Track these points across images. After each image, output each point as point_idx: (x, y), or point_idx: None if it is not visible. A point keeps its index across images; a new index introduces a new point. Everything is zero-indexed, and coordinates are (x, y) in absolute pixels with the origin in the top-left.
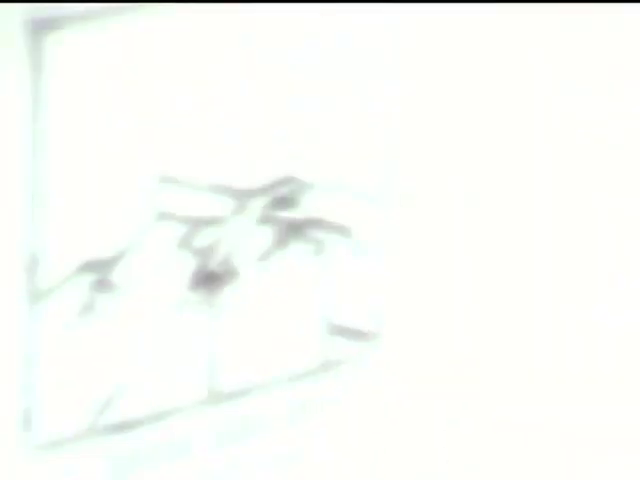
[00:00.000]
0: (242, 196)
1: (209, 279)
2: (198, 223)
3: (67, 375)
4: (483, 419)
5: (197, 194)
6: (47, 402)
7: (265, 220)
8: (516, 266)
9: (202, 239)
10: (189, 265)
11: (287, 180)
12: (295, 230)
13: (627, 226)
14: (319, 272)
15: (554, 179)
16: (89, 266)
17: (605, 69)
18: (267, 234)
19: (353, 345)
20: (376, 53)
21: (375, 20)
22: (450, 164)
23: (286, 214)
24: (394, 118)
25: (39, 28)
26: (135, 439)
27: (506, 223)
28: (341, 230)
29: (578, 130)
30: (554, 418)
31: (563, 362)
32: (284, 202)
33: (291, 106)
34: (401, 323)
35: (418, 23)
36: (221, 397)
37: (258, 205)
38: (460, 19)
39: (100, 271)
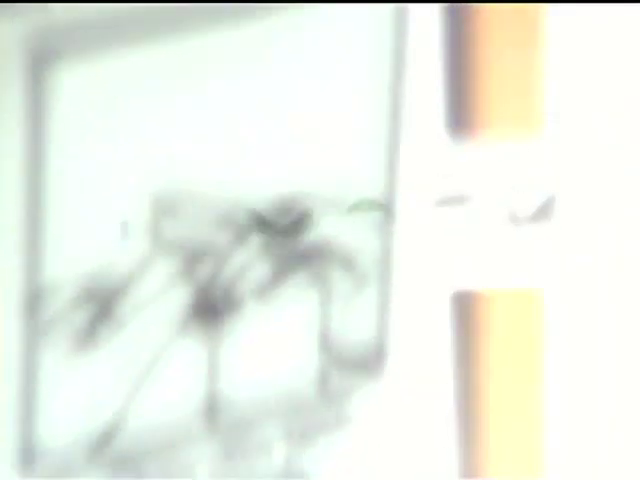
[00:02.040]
0: (242, 228)
1: (209, 310)
2: (198, 254)
3: (67, 406)
4: (487, 445)
5: (198, 226)
6: (47, 433)
7: (265, 252)
8: (523, 295)
9: (202, 270)
10: (189, 296)
11: (288, 211)
12: (295, 261)
13: None
14: (319, 302)
15: (574, 177)
16: (90, 297)
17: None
18: (267, 265)
19: (355, 375)
20: (377, 70)
21: (376, 29)
22: (453, 188)
23: (286, 245)
24: (396, 140)
25: (39, 58)
26: (136, 471)
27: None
28: (341, 260)
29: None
30: (570, 419)
31: (575, 364)
32: (284, 233)
33: (291, 135)
34: (402, 354)
35: (423, 37)
36: (221, 427)
37: (258, 237)
38: (465, 19)
39: (101, 302)
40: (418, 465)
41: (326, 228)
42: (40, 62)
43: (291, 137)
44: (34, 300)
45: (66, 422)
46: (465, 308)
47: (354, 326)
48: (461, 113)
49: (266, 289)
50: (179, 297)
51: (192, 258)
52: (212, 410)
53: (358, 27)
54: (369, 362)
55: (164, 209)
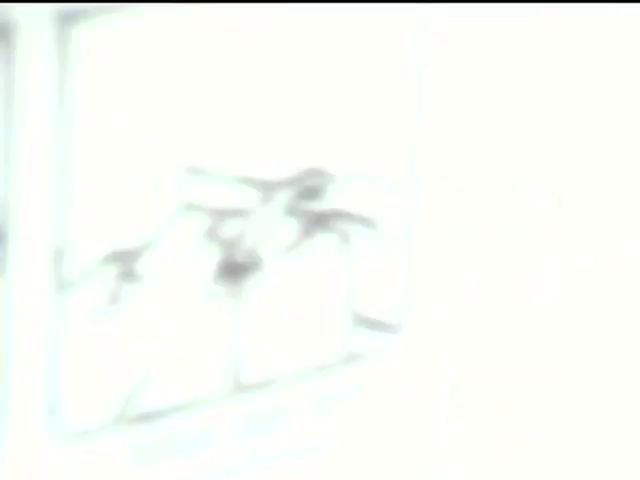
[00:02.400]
0: (268, 188)
1: (234, 270)
2: (224, 214)
3: (93, 365)
4: (505, 411)
5: (223, 185)
6: (73, 392)
7: (291, 212)
8: (538, 260)
9: (228, 230)
10: (215, 256)
11: (313, 172)
12: (320, 222)
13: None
14: (344, 264)
15: (579, 175)
16: (115, 257)
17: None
18: (293, 226)
19: (377, 337)
20: (396, 45)
21: (397, 13)
22: (473, 155)
23: (312, 206)
24: (417, 108)
25: (66, 19)
26: (160, 429)
27: (531, 211)
28: (366, 222)
29: (586, 129)
30: (572, 412)
31: (581, 356)
32: (310, 194)
33: (315, 98)
34: (425, 315)
35: (439, 18)
36: (245, 388)
37: (284, 197)
38: (472, 15)
39: (126, 262)
40: (439, 426)
41: (349, 192)
42: (66, 21)
43: (319, 103)
44: (60, 258)
45: (92, 381)
46: None
47: (378, 287)
48: None
49: (291, 250)
50: (205, 258)
51: (218, 218)
52: (236, 370)
53: None
54: (392, 324)
55: (190, 169)
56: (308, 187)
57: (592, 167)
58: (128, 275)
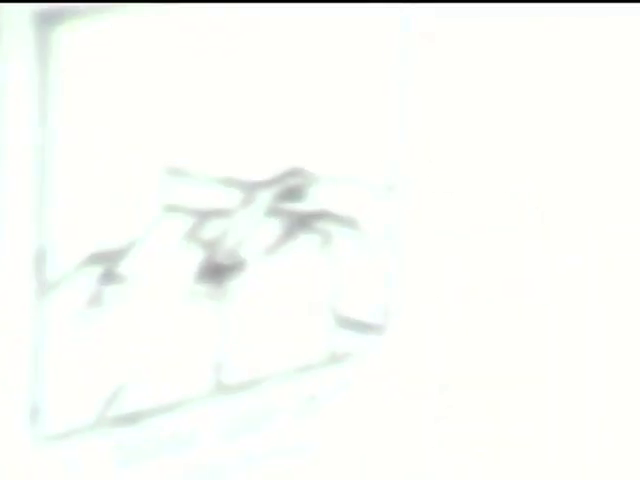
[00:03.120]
0: (249, 188)
1: (216, 271)
2: (205, 215)
3: (75, 366)
4: (488, 411)
5: (204, 186)
6: (55, 393)
7: (272, 212)
8: (524, 261)
9: (209, 231)
10: (196, 257)
11: (294, 172)
12: (302, 222)
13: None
14: (326, 264)
15: (565, 177)
16: (97, 258)
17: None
18: (274, 226)
19: (360, 337)
20: (380, 45)
21: (382, 13)
22: (458, 156)
23: (293, 206)
24: (401, 109)
25: (46, 20)
26: (142, 431)
27: (514, 214)
28: (348, 222)
29: (585, 130)
30: (560, 412)
31: (569, 356)
32: (291, 194)
33: (298, 98)
34: (407, 315)
35: (425, 18)
36: (228, 389)
37: (265, 197)
38: (467, 16)
39: (108, 263)
40: (423, 426)
41: (331, 192)
42: (46, 21)
43: (301, 104)
44: (41, 260)
45: (75, 382)
46: None
47: (361, 288)
48: None
49: (273, 250)
50: (187, 258)
51: (200, 219)
52: (219, 371)
53: None
54: (376, 324)
55: (171, 170)
56: (290, 187)
57: (579, 168)
58: (110, 276)
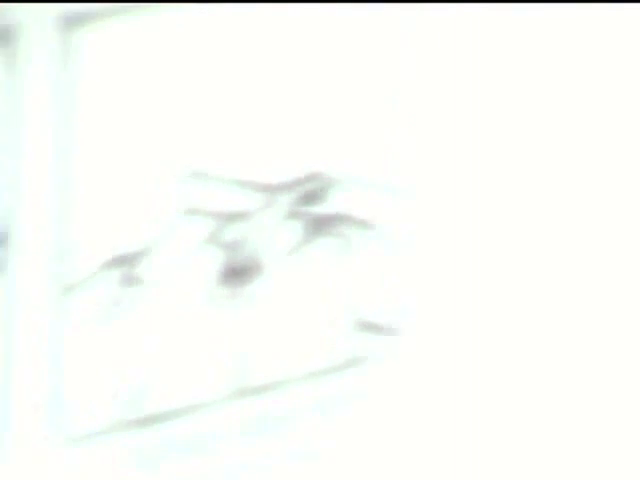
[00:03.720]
0: (270, 192)
1: (237, 274)
2: (226, 218)
3: (95, 369)
4: (508, 413)
5: (225, 189)
6: (75, 395)
7: (292, 215)
8: (544, 262)
9: (230, 234)
10: (217, 260)
11: (314, 176)
12: (322, 225)
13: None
14: (345, 267)
15: (571, 178)
16: (117, 260)
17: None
18: (294, 229)
19: (379, 340)
20: (396, 51)
21: (399, 18)
22: (474, 159)
23: (313, 209)
24: (419, 114)
25: (70, 23)
26: (162, 432)
27: (532, 216)
28: (367, 226)
29: (585, 128)
30: (575, 412)
31: (594, 353)
32: (311, 198)
33: (318, 103)
34: (427, 318)
35: (436, 23)
36: (248, 391)
37: (286, 200)
38: (471, 16)
39: (128, 266)
40: (442, 428)
41: (351, 196)
42: (69, 23)
43: (321, 109)
44: (62, 262)
45: (94, 384)
46: None
47: (380, 291)
48: None
49: (293, 253)
50: (207, 261)
51: (220, 222)
52: (239, 373)
53: None
54: (394, 327)
55: (193, 173)
56: (310, 191)
57: (594, 167)
58: (130, 279)
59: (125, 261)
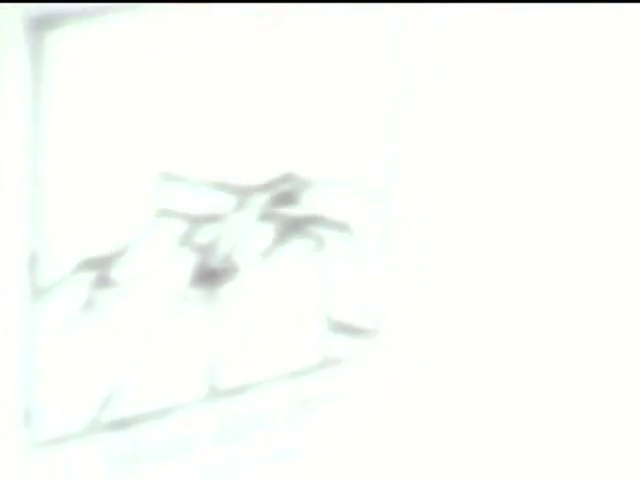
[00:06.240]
0: (242, 193)
1: (210, 276)
2: (199, 220)
3: (68, 371)
4: (482, 415)
5: (198, 191)
6: (48, 399)
7: (265, 217)
8: (517, 265)
9: (203, 236)
10: (190, 262)
11: (287, 177)
12: (295, 227)
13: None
14: (319, 269)
15: (560, 180)
16: (90, 263)
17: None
18: (267, 231)
19: (353, 342)
20: (374, 50)
21: (376, 18)
22: (450, 162)
23: (286, 211)
24: (395, 115)
25: (39, 26)
26: (135, 436)
27: (507, 219)
28: (341, 227)
29: (580, 129)
30: (552, 415)
31: (563, 359)
32: (284, 199)
33: (291, 104)
34: (400, 320)
35: (419, 21)
36: (221, 394)
37: (258, 202)
38: (463, 17)
39: (100, 268)
40: (415, 430)
41: (324, 197)
42: (39, 25)
43: (293, 109)
44: (34, 265)
45: (67, 388)
46: None
47: (354, 292)
48: None
49: (267, 255)
50: (180, 263)
51: (193, 224)
52: (212, 375)
53: None
54: (368, 329)
55: (165, 175)
56: (283, 192)
57: (594, 167)
58: (103, 281)
59: (98, 263)
